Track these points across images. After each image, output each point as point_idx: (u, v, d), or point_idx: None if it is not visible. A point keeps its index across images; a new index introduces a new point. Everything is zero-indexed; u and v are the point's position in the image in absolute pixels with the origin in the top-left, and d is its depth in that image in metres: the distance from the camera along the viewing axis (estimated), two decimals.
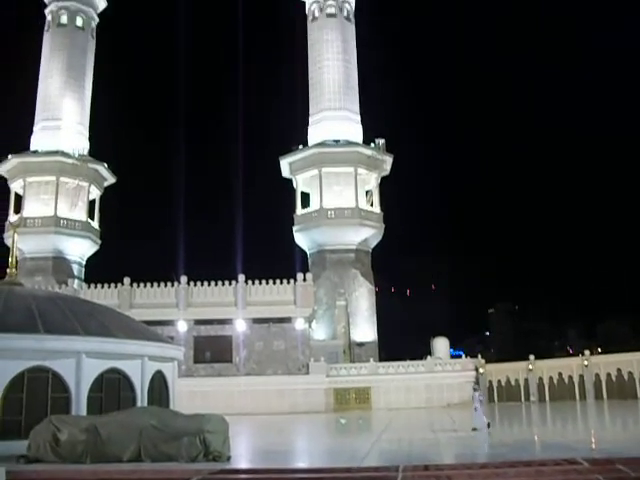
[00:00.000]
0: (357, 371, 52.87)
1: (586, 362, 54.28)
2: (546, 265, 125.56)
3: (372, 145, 67.16)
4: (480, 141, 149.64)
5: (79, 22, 72.12)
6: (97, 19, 74.62)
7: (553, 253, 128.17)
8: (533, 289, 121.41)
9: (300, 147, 67.62)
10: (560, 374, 54.85)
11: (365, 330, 62.64)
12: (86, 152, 69.00)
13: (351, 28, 73.06)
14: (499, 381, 56.45)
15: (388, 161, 67.61)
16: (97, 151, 70.36)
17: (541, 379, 55.37)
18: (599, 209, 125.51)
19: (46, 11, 72.78)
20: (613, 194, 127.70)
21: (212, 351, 52.32)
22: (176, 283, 53.59)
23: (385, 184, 68.61)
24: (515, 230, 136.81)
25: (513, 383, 56.03)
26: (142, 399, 24.24)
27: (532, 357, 56.52)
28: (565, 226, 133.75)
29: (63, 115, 68.26)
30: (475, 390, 28.97)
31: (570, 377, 54.59)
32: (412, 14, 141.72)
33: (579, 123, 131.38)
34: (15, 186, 66.38)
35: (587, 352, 55.92)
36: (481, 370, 54.93)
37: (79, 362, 22.53)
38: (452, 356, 61.73)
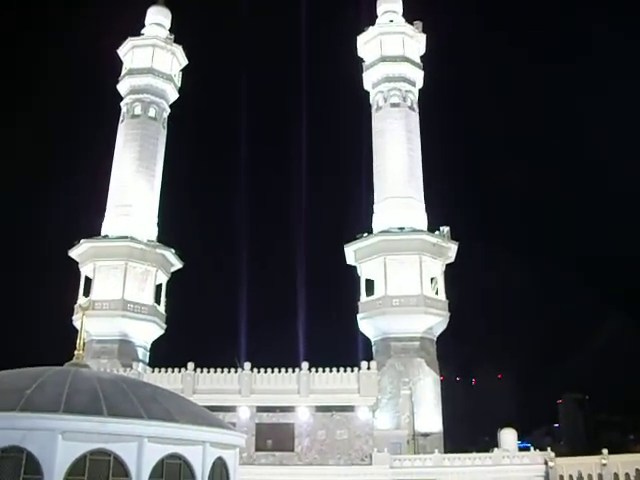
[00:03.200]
0: (422, 462, 51.10)
1: None
2: (616, 352, 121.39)
3: (437, 233, 66.90)
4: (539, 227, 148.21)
5: (152, 113, 74.91)
6: (169, 110, 77.55)
7: (622, 339, 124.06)
8: (604, 378, 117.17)
9: (365, 235, 67.76)
10: (638, 470, 51.76)
11: (430, 420, 60.98)
12: (154, 238, 70.56)
13: (415, 117, 73.95)
14: (570, 476, 53.59)
15: (453, 248, 67.09)
16: (165, 237, 71.96)
17: (616, 475, 52.27)
18: None
19: (122, 103, 76.06)
20: None
21: (274, 439, 51.40)
22: (239, 369, 53.31)
23: (450, 271, 67.96)
24: (582, 318, 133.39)
25: (585, 478, 53.24)
26: None
27: (605, 451, 53.63)
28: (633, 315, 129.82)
29: (134, 202, 70.13)
30: None
31: None
32: (474, 102, 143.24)
33: None
34: (85, 270, 67.69)
35: None
36: (551, 464, 52.46)
37: (141, 446, 22.32)
38: (520, 448, 59.34)
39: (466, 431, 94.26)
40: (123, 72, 77.57)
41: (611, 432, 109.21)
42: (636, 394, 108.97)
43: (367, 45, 77.74)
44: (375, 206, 70.56)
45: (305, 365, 52.68)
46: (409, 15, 79.20)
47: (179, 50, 79.28)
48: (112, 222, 69.55)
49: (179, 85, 79.60)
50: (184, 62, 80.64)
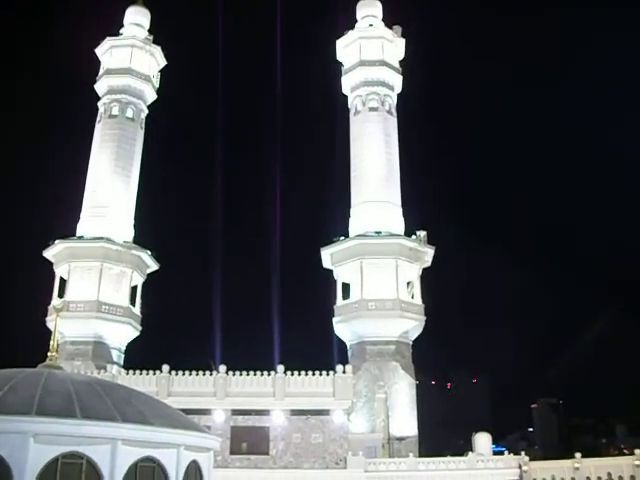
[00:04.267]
0: (396, 466, 51.11)
1: (638, 462, 51.31)
2: (591, 357, 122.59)
3: (413, 237, 67.05)
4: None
5: (129, 113, 74.47)
6: (146, 111, 77.12)
7: (597, 345, 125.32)
8: (578, 384, 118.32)
9: (341, 238, 67.76)
10: (609, 474, 52.07)
11: (405, 424, 61.10)
12: (130, 239, 70.08)
13: (393, 121, 74.21)
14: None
15: (429, 253, 67.32)
16: (141, 238, 71.54)
17: (589, 479, 52.60)
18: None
19: (99, 103, 75.52)
20: None
21: (249, 442, 51.10)
22: (214, 372, 52.99)
23: (426, 275, 68.15)
24: (557, 322, 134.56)
25: None
26: None
27: (578, 455, 53.85)
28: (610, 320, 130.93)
29: (110, 203, 69.60)
30: None
31: (621, 478, 51.77)
32: (453, 106, 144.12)
33: None
34: (60, 270, 67.13)
35: (638, 451, 52.74)
36: (525, 468, 52.69)
37: (114, 449, 22.07)
38: (494, 452, 59.54)
39: (441, 435, 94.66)
40: (101, 72, 77.05)
41: (584, 436, 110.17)
42: (609, 399, 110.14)
43: (346, 49, 77.87)
44: (352, 210, 70.63)
45: (280, 368, 52.47)
46: (388, 19, 79.53)
47: (158, 51, 78.89)
48: (88, 223, 69.00)
49: (157, 86, 79.21)
50: (163, 63, 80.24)
